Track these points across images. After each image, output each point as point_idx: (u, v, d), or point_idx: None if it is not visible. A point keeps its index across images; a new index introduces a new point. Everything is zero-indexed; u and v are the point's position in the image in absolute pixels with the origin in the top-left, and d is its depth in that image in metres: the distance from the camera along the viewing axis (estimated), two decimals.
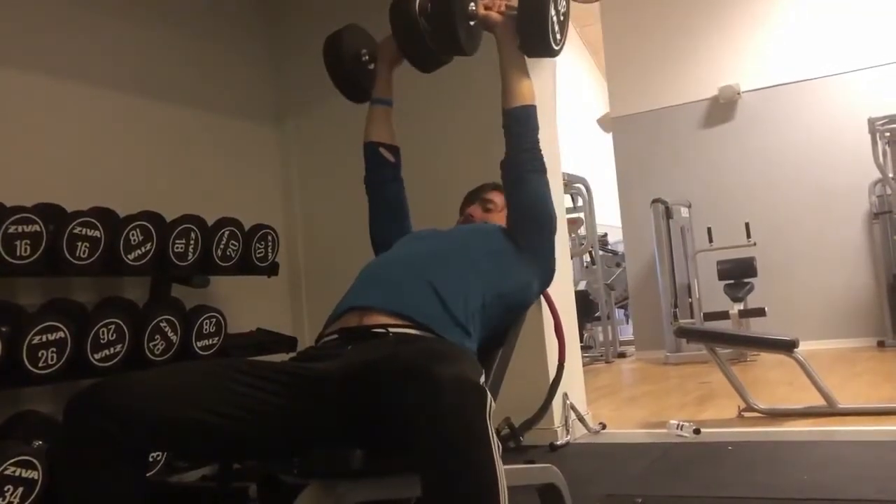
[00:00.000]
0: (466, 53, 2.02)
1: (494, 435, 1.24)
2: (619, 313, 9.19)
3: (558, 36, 1.97)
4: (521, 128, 1.93)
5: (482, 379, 1.30)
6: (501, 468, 1.23)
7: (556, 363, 3.44)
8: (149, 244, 2.86)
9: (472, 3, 1.97)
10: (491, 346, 1.81)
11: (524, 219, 1.93)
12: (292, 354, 2.34)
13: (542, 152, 1.96)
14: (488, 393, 1.27)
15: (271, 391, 1.43)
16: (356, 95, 2.24)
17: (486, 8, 2.00)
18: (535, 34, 1.92)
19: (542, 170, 1.95)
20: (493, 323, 1.79)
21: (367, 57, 2.20)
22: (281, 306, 4.07)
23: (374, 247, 2.12)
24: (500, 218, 2.13)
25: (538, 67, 3.84)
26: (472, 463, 1.20)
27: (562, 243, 3.69)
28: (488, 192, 2.19)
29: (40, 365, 2.44)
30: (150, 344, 2.81)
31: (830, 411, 3.73)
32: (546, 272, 1.97)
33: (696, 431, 3.44)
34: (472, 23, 1.98)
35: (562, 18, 1.99)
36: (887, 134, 6.53)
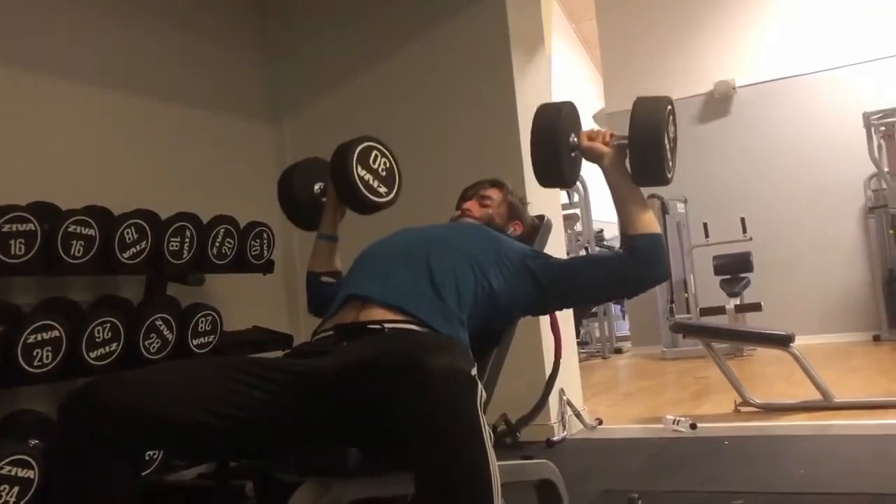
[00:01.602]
0: (568, 186, 2.02)
1: (486, 424, 1.25)
2: (615, 309, 9.18)
3: (671, 164, 1.88)
4: (656, 255, 1.85)
5: (474, 370, 1.30)
6: (493, 457, 1.24)
7: (553, 359, 3.44)
8: (144, 242, 2.85)
9: (574, 136, 1.94)
10: (486, 346, 1.81)
11: (570, 284, 1.88)
12: (287, 351, 2.34)
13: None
14: (479, 383, 1.27)
15: (266, 389, 1.43)
16: (305, 226, 2.27)
17: (590, 139, 1.94)
18: (650, 167, 1.83)
19: (637, 292, 1.93)
20: (483, 319, 1.79)
21: (318, 190, 2.23)
22: (277, 304, 4.07)
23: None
24: (497, 214, 2.13)
25: (533, 64, 3.85)
26: (463, 451, 1.21)
27: (557, 239, 3.69)
28: (485, 188, 2.18)
29: (35, 364, 2.44)
30: (146, 342, 2.81)
31: (827, 406, 3.73)
32: (535, 312, 2.01)
33: (693, 426, 3.45)
34: (573, 154, 1.95)
35: (672, 145, 1.90)
36: (882, 128, 6.54)
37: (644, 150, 1.83)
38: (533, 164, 1.95)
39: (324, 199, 2.20)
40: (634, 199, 1.88)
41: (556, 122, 1.91)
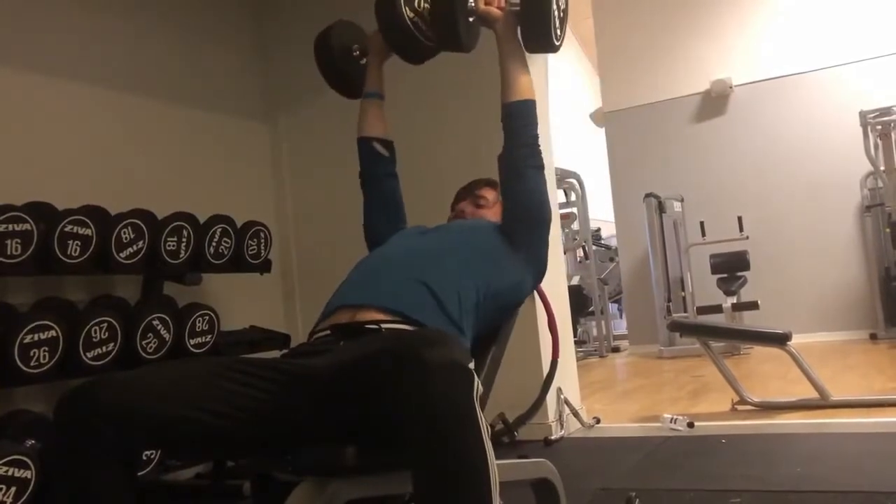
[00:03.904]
0: (465, 50, 2.01)
1: (483, 417, 1.25)
2: (612, 308, 9.19)
3: (559, 31, 1.98)
4: (520, 122, 1.92)
5: (471, 364, 1.30)
6: (490, 449, 1.23)
7: (550, 358, 3.44)
8: (140, 242, 2.85)
9: (472, 0, 1.96)
10: (483, 344, 1.80)
11: (520, 214, 1.91)
12: (285, 351, 2.34)
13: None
14: (475, 376, 1.28)
15: (263, 388, 1.42)
16: (349, 91, 2.23)
17: (486, 3, 1.99)
18: (537, 30, 1.93)
19: (540, 165, 1.94)
20: (486, 321, 1.78)
21: (357, 52, 2.19)
22: (273, 303, 4.07)
23: (367, 242, 2.11)
24: (492, 214, 2.12)
25: (532, 63, 3.85)
26: (460, 442, 1.21)
27: (555, 238, 3.69)
28: (480, 187, 2.17)
29: (32, 364, 2.43)
30: (143, 342, 2.80)
31: (823, 404, 3.74)
32: (539, 269, 1.96)
33: (690, 425, 3.45)
34: (471, 19, 1.97)
35: (562, 14, 1.99)
36: (878, 127, 6.55)
37: (532, 14, 1.91)
38: (433, 28, 1.99)
39: (362, 62, 2.17)
40: (518, 66, 1.95)
41: None
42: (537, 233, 1.94)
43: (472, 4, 1.97)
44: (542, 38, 1.94)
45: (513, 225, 1.91)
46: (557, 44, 1.99)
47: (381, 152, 2.12)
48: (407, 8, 2.00)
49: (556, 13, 1.94)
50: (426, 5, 2.06)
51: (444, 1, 1.93)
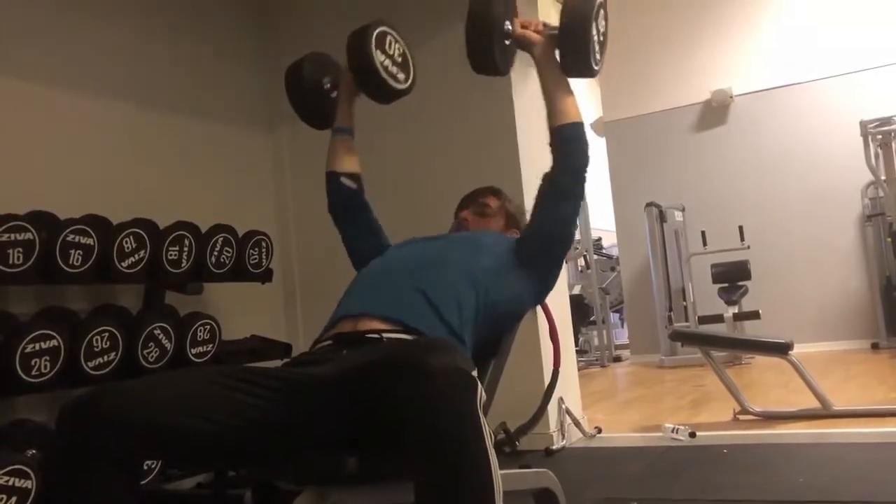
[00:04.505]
0: (501, 74, 2.00)
1: (486, 425, 1.25)
2: (614, 317, 9.19)
3: (598, 56, 1.93)
4: (571, 146, 1.90)
5: (474, 372, 1.30)
6: (494, 457, 1.23)
7: (552, 368, 3.43)
8: (142, 251, 2.85)
9: (509, 23, 1.94)
10: (484, 355, 1.80)
11: (543, 239, 1.90)
12: (286, 360, 2.34)
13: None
14: (479, 383, 1.27)
15: (265, 397, 1.43)
16: (319, 125, 2.22)
17: (523, 27, 1.97)
18: (576, 55, 1.89)
19: (580, 195, 1.92)
20: (485, 331, 1.78)
21: (328, 85, 2.18)
22: (275, 312, 4.07)
23: (355, 267, 2.10)
24: (495, 223, 2.12)
25: (530, 74, 3.86)
26: (464, 451, 1.20)
27: None
28: (484, 196, 2.17)
29: (33, 373, 2.43)
30: (144, 351, 2.80)
31: (825, 414, 3.73)
32: (544, 291, 1.97)
33: (692, 435, 3.45)
34: (507, 42, 1.95)
35: (602, 38, 1.95)
36: (879, 136, 6.55)
37: (572, 40, 1.87)
38: (467, 50, 1.95)
39: (333, 95, 2.15)
40: (560, 89, 1.93)
41: (491, 7, 1.91)
42: (553, 260, 1.95)
43: (509, 28, 1.95)
44: (581, 63, 1.90)
45: (532, 245, 1.90)
46: (597, 69, 1.94)
47: (349, 186, 2.11)
48: (378, 51, 1.99)
49: (595, 37, 1.89)
50: (399, 48, 2.07)
51: (481, 25, 1.90)
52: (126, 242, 2.79)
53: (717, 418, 4.03)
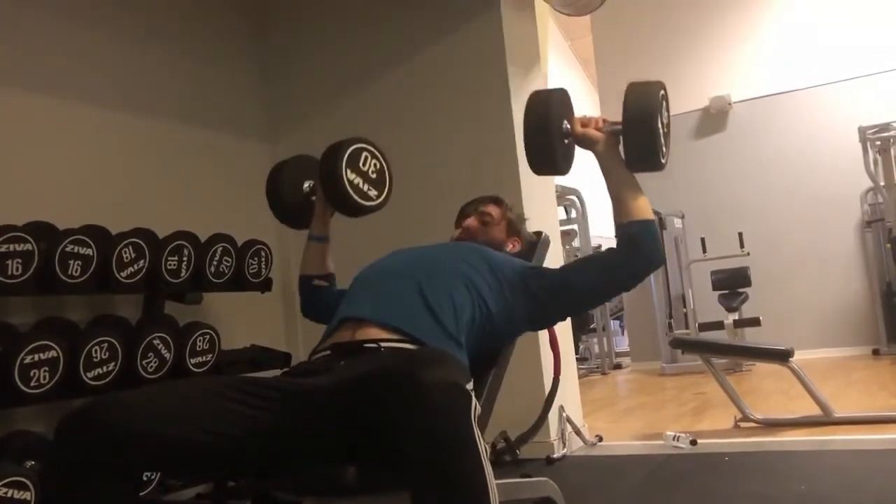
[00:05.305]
0: (562, 174, 1.96)
1: (481, 437, 1.25)
2: (614, 325, 9.19)
3: (664, 149, 1.84)
4: (639, 247, 1.81)
5: (469, 385, 1.30)
6: (489, 469, 1.24)
7: (552, 376, 3.43)
8: (141, 261, 2.85)
9: (567, 123, 1.88)
10: (484, 365, 1.80)
11: (562, 292, 1.85)
12: (285, 370, 2.33)
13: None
14: (473, 396, 1.28)
15: (263, 407, 1.42)
16: (297, 225, 2.23)
17: (583, 125, 1.90)
18: (644, 151, 1.80)
19: (624, 287, 1.88)
20: (483, 343, 1.78)
21: (308, 189, 2.18)
22: (275, 322, 4.06)
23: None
24: (497, 231, 2.12)
25: (529, 81, 3.87)
26: (459, 464, 1.20)
27: (555, 255, 3.69)
28: (486, 204, 2.17)
29: (32, 384, 2.43)
30: (144, 362, 2.80)
31: (826, 420, 3.72)
32: (539, 325, 1.98)
33: (693, 442, 3.44)
34: (567, 141, 1.90)
35: (666, 130, 1.86)
36: (878, 142, 6.57)
37: (638, 135, 1.79)
38: (526, 151, 1.90)
39: (313, 199, 2.15)
40: (628, 186, 1.85)
41: (548, 108, 1.87)
42: (560, 311, 1.94)
43: (568, 128, 1.89)
44: (649, 159, 1.81)
45: (547, 290, 1.85)
46: (664, 161, 1.83)
47: (320, 284, 2.13)
48: (348, 170, 1.99)
49: (661, 129, 1.81)
50: (375, 164, 2.07)
51: (539, 130, 1.85)
52: (125, 252, 2.79)
53: (719, 426, 4.02)
